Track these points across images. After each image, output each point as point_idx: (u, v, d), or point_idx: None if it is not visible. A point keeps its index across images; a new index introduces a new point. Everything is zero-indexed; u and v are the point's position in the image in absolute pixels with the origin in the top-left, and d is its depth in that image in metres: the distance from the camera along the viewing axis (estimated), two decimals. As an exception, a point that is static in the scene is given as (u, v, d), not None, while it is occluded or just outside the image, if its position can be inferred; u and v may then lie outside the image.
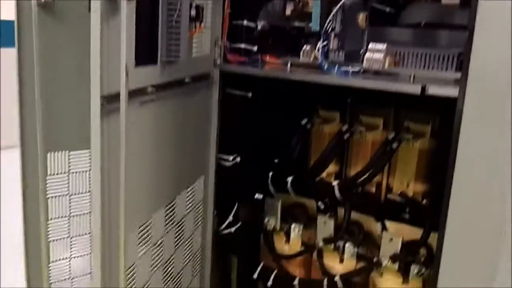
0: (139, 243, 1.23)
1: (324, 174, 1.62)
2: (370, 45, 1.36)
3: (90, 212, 1.45)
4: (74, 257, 1.63)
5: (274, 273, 1.68)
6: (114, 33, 0.98)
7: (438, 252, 1.20)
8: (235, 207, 1.71)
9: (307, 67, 1.50)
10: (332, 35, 1.44)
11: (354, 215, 1.57)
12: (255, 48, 1.59)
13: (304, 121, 1.65)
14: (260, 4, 1.62)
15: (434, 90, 1.19)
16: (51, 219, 1.52)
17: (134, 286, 1.22)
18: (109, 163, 1.05)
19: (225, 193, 1.68)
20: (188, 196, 1.49)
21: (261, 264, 1.72)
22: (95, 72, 0.94)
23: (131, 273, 1.20)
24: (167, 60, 1.20)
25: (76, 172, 1.57)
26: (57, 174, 1.52)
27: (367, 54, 1.36)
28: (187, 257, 1.55)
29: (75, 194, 1.58)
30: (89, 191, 1.57)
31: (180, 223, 1.46)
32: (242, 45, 1.57)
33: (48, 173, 1.49)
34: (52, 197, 1.51)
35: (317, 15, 1.48)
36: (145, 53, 1.15)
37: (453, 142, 1.13)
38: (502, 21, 1.07)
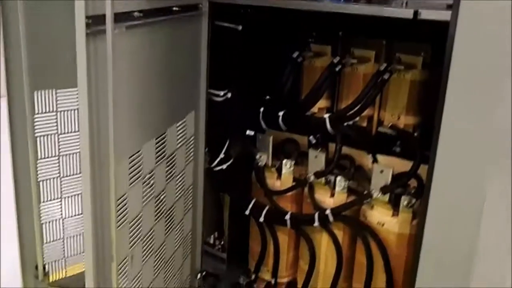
0: (130, 173, 1.23)
1: (315, 109, 1.62)
2: (362, -27, 1.33)
3: (78, 151, 1.44)
4: (65, 197, 1.64)
5: (266, 209, 1.69)
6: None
7: (428, 183, 1.20)
8: (227, 144, 1.70)
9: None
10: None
11: (345, 149, 1.57)
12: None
13: (295, 55, 1.62)
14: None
15: (426, 14, 1.17)
16: (40, 159, 1.52)
17: (125, 219, 1.23)
18: (97, 90, 1.03)
19: (216, 130, 1.67)
20: (179, 130, 1.48)
21: (253, 201, 1.72)
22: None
23: (122, 204, 1.20)
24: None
25: (64, 111, 1.56)
26: (44, 112, 1.51)
27: (359, -19, 1.33)
28: (179, 192, 1.56)
29: (63, 133, 1.57)
30: (77, 131, 1.56)
31: (171, 156, 1.46)
32: (231, -24, 1.52)
33: (36, 111, 1.47)
34: (40, 136, 1.50)
35: None
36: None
37: (444, 69, 1.12)
38: None
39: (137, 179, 1.26)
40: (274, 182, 1.71)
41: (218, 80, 1.62)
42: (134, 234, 1.28)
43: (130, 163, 1.22)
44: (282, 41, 1.67)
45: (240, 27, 1.57)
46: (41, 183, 1.52)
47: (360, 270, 1.56)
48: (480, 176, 1.15)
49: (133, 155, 1.24)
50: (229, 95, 1.64)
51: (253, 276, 1.82)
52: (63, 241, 1.63)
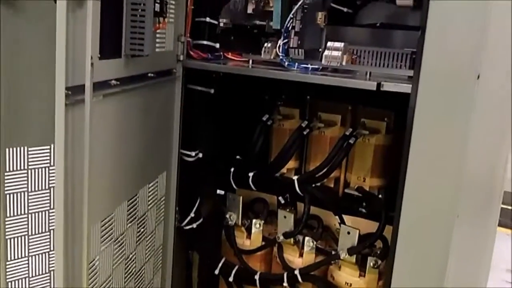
0: (101, 237, 1.23)
1: (284, 170, 1.66)
2: (329, 44, 1.42)
3: (49, 209, 1.44)
4: (32, 256, 1.61)
5: (235, 268, 1.70)
6: (79, 26, 0.98)
7: (393, 244, 1.25)
8: (197, 203, 1.72)
9: (268, 64, 1.54)
10: (292, 33, 1.48)
11: (314, 209, 1.61)
12: (217, 45, 1.62)
13: (265, 117, 1.68)
14: (223, 2, 1.65)
15: (388, 86, 1.25)
16: (9, 216, 1.50)
17: (96, 282, 1.22)
18: (73, 156, 1.06)
19: (187, 189, 1.70)
20: (150, 191, 1.50)
21: (223, 260, 1.73)
22: (61, 63, 0.94)
23: (93, 268, 1.20)
24: (131, 53, 1.21)
25: (35, 169, 1.55)
26: (16, 170, 1.50)
27: (326, 52, 1.41)
28: (149, 253, 1.56)
29: (34, 190, 1.56)
30: (48, 188, 1.55)
31: (142, 218, 1.47)
32: (205, 42, 1.59)
33: (7, 169, 1.46)
34: (10, 193, 1.49)
35: (278, 14, 1.52)
36: (109, 46, 1.15)
37: (406, 138, 1.19)
38: (452, 22, 1.13)
39: (108, 241, 1.27)
40: (243, 241, 1.72)
41: (190, 140, 1.65)
42: (103, 297, 1.27)
43: (102, 226, 1.23)
44: (252, 104, 1.73)
45: (212, 91, 1.63)
46: (8, 240, 1.50)
47: (329, 330, 1.57)
48: (444, 238, 1.21)
49: (105, 218, 1.24)
50: (200, 155, 1.68)
51: (222, 336, 1.80)
52: (28, 303, 1.59)
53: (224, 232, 1.75)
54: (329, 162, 1.51)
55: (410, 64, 1.42)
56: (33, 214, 1.59)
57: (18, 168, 1.52)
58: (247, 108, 1.73)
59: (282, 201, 1.68)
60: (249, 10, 1.70)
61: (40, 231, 1.61)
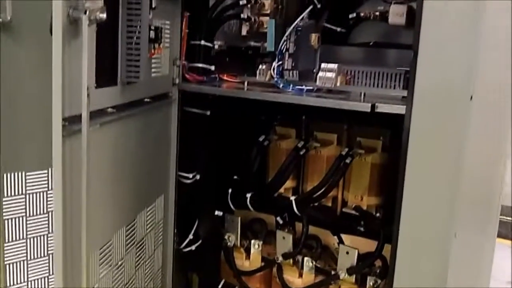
0: (100, 264, 1.23)
1: (282, 190, 1.67)
2: (323, 65, 1.43)
3: (47, 233, 1.44)
4: (31, 280, 1.60)
5: (235, 289, 1.70)
6: (74, 55, 0.99)
7: (392, 263, 1.25)
8: (196, 225, 1.72)
9: (263, 86, 1.55)
10: (286, 55, 1.49)
11: (312, 229, 1.61)
12: (212, 68, 1.63)
13: (261, 138, 1.69)
14: (217, 25, 1.66)
15: (383, 108, 1.26)
16: (7, 241, 1.50)
17: (96, 308, 1.22)
18: (71, 183, 1.06)
19: (185, 211, 1.70)
20: (148, 215, 1.50)
21: (222, 281, 1.73)
22: (57, 95, 0.95)
23: (93, 295, 1.20)
24: (127, 81, 1.22)
25: (33, 193, 1.56)
26: (14, 195, 1.51)
27: (320, 73, 1.42)
28: (148, 276, 1.55)
29: (32, 215, 1.57)
30: (46, 212, 1.56)
31: (140, 242, 1.47)
32: (200, 65, 1.60)
33: (5, 194, 1.47)
34: (9, 218, 1.49)
35: (272, 36, 1.54)
36: (105, 74, 1.16)
37: (402, 158, 1.20)
38: (444, 42, 1.14)
39: (107, 268, 1.27)
40: (243, 262, 1.72)
41: (187, 163, 1.66)
42: (103, 324, 1.27)
43: (100, 254, 1.23)
44: (248, 124, 1.74)
45: (208, 112, 1.63)
46: (7, 265, 1.50)
47: None
48: (442, 257, 1.21)
49: (104, 245, 1.25)
50: (198, 177, 1.68)
51: None
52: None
53: (223, 254, 1.75)
54: (326, 182, 1.52)
55: (404, 83, 1.43)
56: (32, 239, 1.59)
57: (16, 193, 1.53)
58: (244, 129, 1.74)
59: (281, 222, 1.68)
60: (244, 32, 1.72)
61: (39, 256, 1.61)
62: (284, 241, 1.62)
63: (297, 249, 1.58)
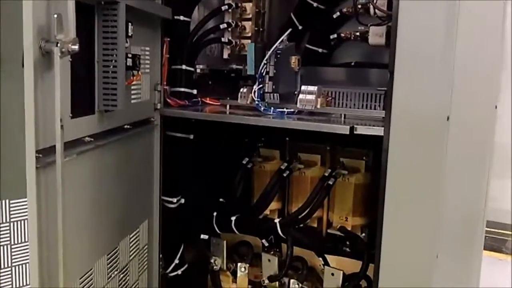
0: (81, 294, 1.22)
1: (267, 211, 1.66)
2: (303, 88, 1.43)
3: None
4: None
5: (222, 313, 1.68)
6: (48, 87, 0.99)
7: (375, 284, 1.25)
8: (181, 249, 1.71)
9: (245, 109, 1.55)
10: (267, 78, 1.49)
11: (298, 250, 1.61)
12: (194, 91, 1.64)
13: (245, 161, 1.69)
14: (198, 49, 1.67)
15: (362, 130, 1.26)
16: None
17: None
18: (47, 214, 1.05)
19: (171, 235, 1.69)
20: (132, 242, 1.49)
21: (209, 305, 1.72)
22: (29, 127, 0.95)
23: (74, 327, 1.18)
24: (104, 109, 1.22)
25: (17, 221, 1.56)
26: (-1, 223, 1.50)
27: (300, 96, 1.43)
28: (134, 303, 1.54)
29: (17, 243, 1.56)
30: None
31: (124, 269, 1.45)
32: (182, 89, 1.61)
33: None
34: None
35: (252, 60, 1.54)
36: (82, 103, 1.16)
37: (381, 179, 1.20)
38: (420, 63, 1.15)
39: (88, 298, 1.25)
40: (229, 286, 1.71)
41: (171, 187, 1.65)
42: None
43: (81, 283, 1.22)
44: (232, 146, 1.74)
45: (191, 136, 1.63)
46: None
47: None
48: (424, 278, 1.21)
49: (84, 274, 1.23)
50: (182, 201, 1.67)
51: None
52: None
53: (210, 277, 1.74)
54: (309, 203, 1.52)
55: (384, 104, 1.43)
56: (17, 267, 1.59)
57: (1, 221, 1.52)
58: (228, 151, 1.74)
59: (266, 244, 1.67)
60: (225, 56, 1.73)
61: (25, 284, 1.60)
62: (270, 264, 1.61)
63: (282, 272, 1.57)
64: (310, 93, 1.42)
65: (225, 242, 1.70)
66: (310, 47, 1.78)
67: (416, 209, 1.18)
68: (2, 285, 1.56)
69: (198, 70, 1.70)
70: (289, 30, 1.56)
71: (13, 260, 1.58)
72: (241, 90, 1.56)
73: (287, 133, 1.68)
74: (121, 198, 1.40)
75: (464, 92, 1.28)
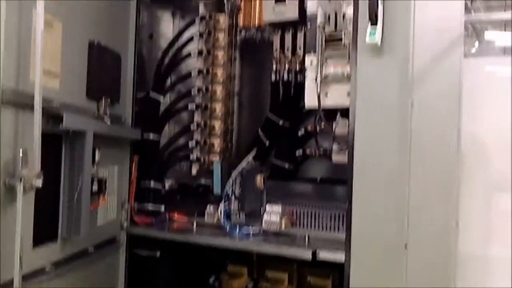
0: None
1: (235, 332, 1.62)
2: (268, 208, 1.46)
3: None
4: None
5: None
6: (10, 220, 0.99)
7: None
8: None
9: (212, 227, 1.56)
10: (233, 197, 1.52)
11: None
12: (162, 208, 1.65)
13: (212, 279, 1.67)
14: (167, 166, 1.70)
15: (324, 255, 1.28)
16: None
17: None
18: None
19: None
20: None
21: None
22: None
23: None
24: (67, 236, 1.22)
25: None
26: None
27: (265, 217, 1.45)
28: None
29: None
30: None
31: None
32: (150, 207, 1.62)
33: None
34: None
35: (218, 179, 1.58)
36: (45, 231, 1.16)
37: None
38: (375, 191, 1.19)
39: None
40: None
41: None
42: None
43: None
44: (199, 263, 1.72)
45: (158, 254, 1.62)
46: None
47: None
48: None
49: None
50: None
51: None
52: None
53: None
54: (275, 325, 1.49)
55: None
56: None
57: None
58: (195, 268, 1.72)
59: None
60: (194, 172, 1.76)
61: None
62: None
63: None
64: (274, 213, 1.44)
65: None
66: (277, 163, 1.82)
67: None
68: None
69: (167, 186, 1.72)
70: (254, 150, 1.61)
71: None
72: (207, 209, 1.58)
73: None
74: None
75: (422, 213, 1.31)
